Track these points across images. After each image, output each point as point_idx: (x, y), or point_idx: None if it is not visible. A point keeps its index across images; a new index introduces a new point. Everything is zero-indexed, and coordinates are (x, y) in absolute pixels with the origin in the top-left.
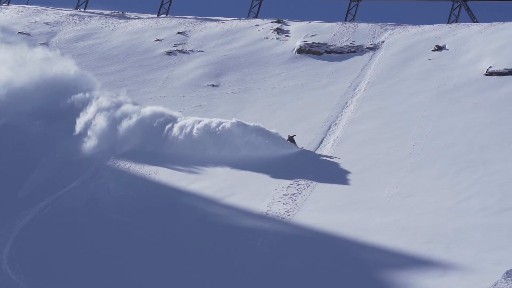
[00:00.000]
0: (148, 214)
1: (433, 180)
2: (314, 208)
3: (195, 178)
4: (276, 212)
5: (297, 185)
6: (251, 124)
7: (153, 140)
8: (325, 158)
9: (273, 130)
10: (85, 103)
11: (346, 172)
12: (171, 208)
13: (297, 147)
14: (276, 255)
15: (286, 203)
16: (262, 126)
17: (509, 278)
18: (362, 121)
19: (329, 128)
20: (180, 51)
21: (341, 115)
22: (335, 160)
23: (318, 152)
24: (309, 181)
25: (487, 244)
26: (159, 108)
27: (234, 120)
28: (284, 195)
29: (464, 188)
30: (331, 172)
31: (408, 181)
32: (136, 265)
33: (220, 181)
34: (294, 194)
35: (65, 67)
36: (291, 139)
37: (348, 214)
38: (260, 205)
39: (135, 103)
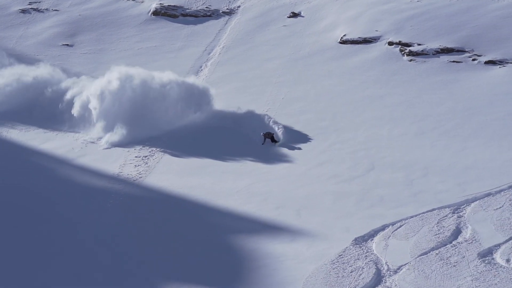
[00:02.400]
0: None
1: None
2: (166, 171)
3: (46, 138)
4: (128, 174)
5: (149, 148)
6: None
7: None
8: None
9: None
10: None
11: (199, 136)
12: (20, 168)
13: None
14: (126, 217)
15: (138, 165)
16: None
17: (358, 245)
18: (217, 85)
19: None
20: (34, 9)
21: (196, 78)
22: (188, 123)
23: None
24: (162, 144)
25: (337, 211)
26: (48, 70)
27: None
28: (136, 157)
29: (315, 155)
30: (184, 136)
31: (261, 147)
32: None
33: (71, 142)
34: (146, 156)
35: None
36: (268, 135)
37: (200, 178)
38: (111, 167)
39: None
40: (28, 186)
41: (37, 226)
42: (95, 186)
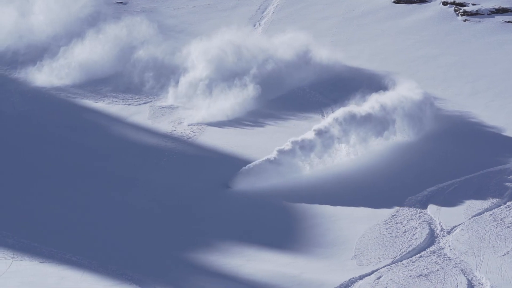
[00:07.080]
0: (52, 129)
1: None
2: (219, 130)
3: (100, 96)
4: (182, 133)
5: None
6: None
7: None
8: None
9: None
10: None
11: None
12: (75, 124)
13: None
14: (179, 173)
15: (191, 124)
16: None
17: (411, 205)
18: None
19: None
20: None
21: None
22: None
23: None
24: None
25: (391, 171)
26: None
27: None
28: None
29: None
30: None
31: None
32: (36, 177)
33: (124, 100)
34: None
35: None
36: None
37: (253, 137)
38: (165, 125)
39: None
40: (81, 142)
41: (91, 183)
42: (149, 143)
